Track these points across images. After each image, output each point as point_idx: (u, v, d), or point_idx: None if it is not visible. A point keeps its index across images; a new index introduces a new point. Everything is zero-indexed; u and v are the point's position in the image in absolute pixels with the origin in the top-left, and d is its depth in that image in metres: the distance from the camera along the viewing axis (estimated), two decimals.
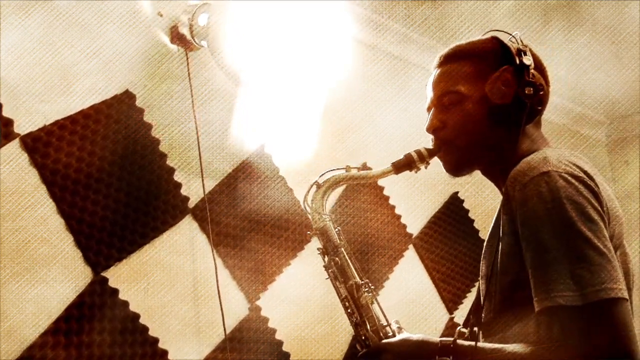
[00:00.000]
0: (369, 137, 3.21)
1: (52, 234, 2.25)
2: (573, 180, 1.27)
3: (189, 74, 2.64)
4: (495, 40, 1.51)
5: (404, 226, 3.36)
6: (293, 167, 2.86)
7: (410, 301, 3.21)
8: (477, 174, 1.55)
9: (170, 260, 2.52)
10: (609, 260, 1.22)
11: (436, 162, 1.54)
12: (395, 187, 3.27)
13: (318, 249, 1.61)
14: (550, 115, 4.24)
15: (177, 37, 2.61)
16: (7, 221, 2.16)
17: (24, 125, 2.23)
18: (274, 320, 2.76)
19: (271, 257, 2.82)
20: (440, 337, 1.36)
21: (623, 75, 3.80)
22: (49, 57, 2.29)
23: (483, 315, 1.42)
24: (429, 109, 1.54)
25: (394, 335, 1.48)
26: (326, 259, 1.59)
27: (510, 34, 1.50)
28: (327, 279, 1.59)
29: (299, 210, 2.85)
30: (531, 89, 1.42)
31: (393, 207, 3.32)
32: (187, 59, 2.64)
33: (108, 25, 2.43)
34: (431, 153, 1.53)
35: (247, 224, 2.75)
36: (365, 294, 1.52)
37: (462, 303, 3.51)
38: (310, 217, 1.62)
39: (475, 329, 1.44)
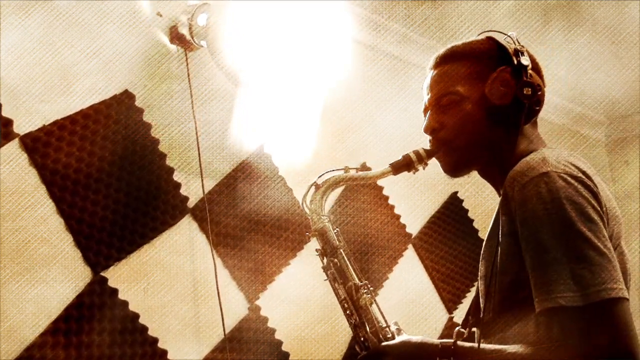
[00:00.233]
0: (369, 137, 3.21)
1: (51, 234, 2.25)
2: (572, 181, 1.27)
3: (188, 74, 2.64)
4: (492, 41, 1.51)
5: (404, 226, 3.36)
6: (293, 167, 2.86)
7: (410, 301, 3.21)
8: (476, 174, 1.55)
9: (169, 260, 2.52)
10: (609, 260, 1.22)
11: (436, 162, 1.54)
12: (395, 187, 3.27)
13: (317, 250, 1.61)
14: (550, 115, 4.25)
15: (176, 37, 2.61)
16: (7, 221, 2.16)
17: (23, 125, 2.23)
18: (273, 320, 2.76)
19: (271, 257, 2.82)
20: (440, 337, 1.36)
21: (623, 75, 3.80)
22: (49, 57, 2.30)
23: (482, 315, 1.42)
24: (425, 111, 1.54)
25: (393, 337, 1.48)
26: (325, 260, 1.59)
27: (507, 34, 1.50)
28: (325, 280, 1.58)
29: (299, 210, 2.85)
30: (529, 89, 1.42)
31: (392, 207, 3.32)
32: (187, 59, 2.65)
33: (108, 25, 2.43)
34: (429, 154, 1.52)
35: (246, 224, 2.75)
36: (364, 295, 1.52)
37: (461, 303, 3.51)
38: (309, 218, 1.62)
39: (475, 329, 1.45)
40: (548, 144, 1.49)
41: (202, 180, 2.64)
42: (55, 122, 2.31)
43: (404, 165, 1.54)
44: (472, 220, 3.68)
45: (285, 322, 2.78)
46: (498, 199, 1.41)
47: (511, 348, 1.28)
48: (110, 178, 2.40)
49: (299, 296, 2.76)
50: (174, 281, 2.52)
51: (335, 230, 1.61)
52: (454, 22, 3.22)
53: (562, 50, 3.50)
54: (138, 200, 2.47)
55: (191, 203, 2.62)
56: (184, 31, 2.60)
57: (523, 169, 1.31)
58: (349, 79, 2.89)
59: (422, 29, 3.37)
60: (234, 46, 2.50)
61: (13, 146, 2.21)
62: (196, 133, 2.62)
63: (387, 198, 3.30)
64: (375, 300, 1.53)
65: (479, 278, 1.46)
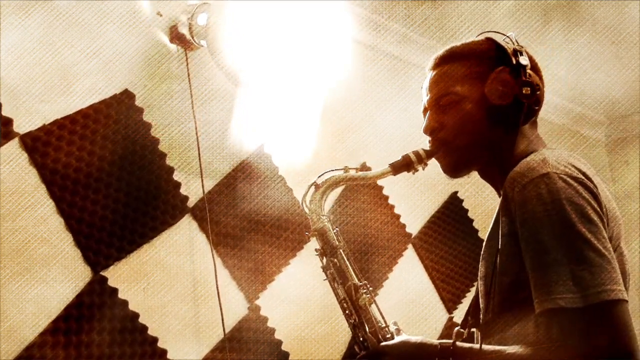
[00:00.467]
0: (369, 137, 3.21)
1: (51, 234, 2.25)
2: (572, 182, 1.27)
3: (188, 73, 2.64)
4: (491, 41, 1.51)
5: (403, 226, 3.36)
6: (293, 167, 2.86)
7: (410, 301, 3.21)
8: (476, 174, 1.55)
9: (169, 259, 2.52)
10: (609, 261, 1.22)
11: (436, 162, 1.54)
12: (395, 187, 3.27)
13: (316, 250, 1.61)
14: (550, 115, 4.25)
15: (176, 36, 2.61)
16: (7, 221, 2.16)
17: (23, 125, 2.23)
18: (273, 320, 2.76)
19: (270, 257, 2.82)
20: (440, 337, 1.36)
21: (623, 75, 3.80)
22: (49, 57, 2.30)
23: (481, 316, 1.42)
24: (425, 111, 1.54)
25: (392, 337, 1.48)
26: (324, 260, 1.59)
27: (505, 35, 1.50)
28: (325, 280, 1.59)
29: (299, 210, 2.85)
30: (529, 88, 1.42)
31: (392, 206, 3.32)
32: (187, 58, 2.65)
33: (108, 25, 2.43)
34: (429, 154, 1.52)
35: (246, 223, 2.76)
36: (364, 295, 1.52)
37: (461, 303, 3.51)
38: (308, 218, 1.62)
39: (474, 329, 1.45)
40: (548, 144, 1.50)
41: (202, 180, 2.64)
42: (55, 122, 2.31)
43: (404, 165, 1.54)
44: (472, 220, 3.68)
45: (285, 322, 2.78)
46: (498, 199, 1.41)
47: (510, 348, 1.28)
48: (110, 177, 2.40)
49: (298, 296, 2.76)
50: (174, 281, 2.52)
51: (335, 230, 1.61)
52: (454, 22, 3.22)
53: (562, 50, 3.50)
54: (138, 199, 2.47)
55: (191, 203, 2.63)
56: (184, 31, 2.60)
57: (523, 169, 1.31)
58: (349, 79, 2.88)
59: (422, 29, 3.38)
60: (234, 46, 2.50)
61: (13, 145, 2.21)
62: (196, 133, 2.62)
63: (387, 198, 3.30)
64: (374, 301, 1.53)
65: (478, 278, 1.46)
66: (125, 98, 2.49)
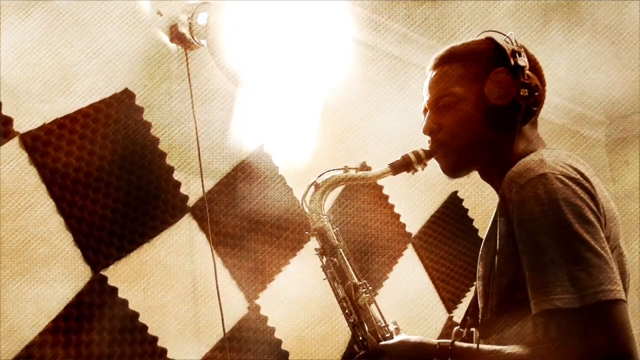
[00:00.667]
0: (369, 137, 3.21)
1: (51, 234, 2.26)
2: (569, 182, 1.27)
3: (188, 73, 2.64)
4: (490, 41, 1.51)
5: (403, 225, 3.36)
6: (293, 166, 2.86)
7: (410, 300, 3.21)
8: (476, 174, 1.55)
9: (169, 259, 2.53)
10: (607, 261, 1.22)
11: (436, 162, 1.54)
12: (395, 187, 3.27)
13: (316, 249, 1.62)
14: (550, 115, 4.25)
15: (176, 36, 2.61)
16: (7, 221, 2.16)
17: (23, 124, 2.24)
18: (273, 320, 2.77)
19: (270, 257, 2.82)
20: (439, 336, 1.37)
21: (623, 75, 3.81)
22: (49, 57, 2.30)
23: (480, 316, 1.42)
24: (425, 111, 1.55)
25: (391, 337, 1.48)
26: (324, 259, 1.60)
27: (505, 35, 1.50)
28: (324, 279, 1.59)
29: (299, 209, 2.85)
30: (526, 90, 1.42)
31: (392, 206, 3.32)
32: (187, 58, 2.65)
33: (108, 25, 2.43)
34: (428, 154, 1.53)
35: (246, 223, 2.76)
36: (363, 294, 1.52)
37: (461, 302, 3.51)
38: (308, 217, 1.62)
39: (473, 329, 1.45)
40: (548, 144, 1.50)
41: (202, 179, 2.64)
42: (55, 121, 2.31)
43: (403, 165, 1.54)
44: (472, 220, 3.68)
45: (284, 322, 2.78)
46: (498, 199, 1.41)
47: (509, 348, 1.28)
48: (110, 177, 2.40)
49: (298, 295, 2.77)
50: (174, 280, 2.53)
51: (335, 230, 1.61)
52: (454, 22, 3.22)
53: (562, 50, 3.50)
54: (138, 199, 2.47)
55: (191, 202, 2.63)
56: (184, 30, 2.60)
57: (521, 170, 1.32)
58: (349, 79, 2.89)
59: (422, 29, 3.38)
60: (234, 46, 2.51)
61: (13, 145, 2.21)
62: (196, 132, 2.63)
63: (387, 197, 3.30)
64: (374, 300, 1.53)
65: (477, 278, 1.46)
66: (125, 97, 2.49)
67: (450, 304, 3.49)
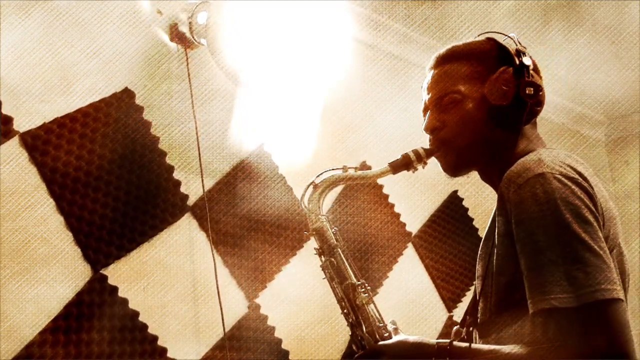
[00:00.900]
0: (369, 137, 3.21)
1: (51, 233, 2.26)
2: (567, 182, 1.27)
3: (188, 72, 2.64)
4: (493, 41, 1.51)
5: (403, 225, 3.37)
6: (292, 166, 2.86)
7: (410, 300, 3.21)
8: (476, 173, 1.55)
9: (169, 258, 2.53)
10: (605, 261, 1.22)
11: (436, 161, 1.54)
12: (395, 186, 3.27)
13: (315, 249, 1.62)
14: (550, 115, 4.25)
15: (176, 35, 2.62)
16: (7, 221, 2.17)
17: (23, 123, 2.24)
18: (273, 319, 2.77)
19: (270, 256, 2.82)
20: (439, 336, 1.36)
21: (623, 75, 3.81)
22: (49, 57, 2.30)
23: (479, 316, 1.42)
24: (425, 110, 1.54)
25: (390, 337, 1.48)
26: (323, 259, 1.60)
27: (507, 35, 1.50)
28: (324, 279, 1.59)
29: (298, 209, 2.82)
30: (532, 88, 1.43)
31: (392, 205, 3.32)
32: (187, 57, 2.65)
33: (108, 25, 2.43)
34: (429, 153, 1.52)
35: (246, 222, 2.76)
36: (362, 294, 1.52)
37: (461, 302, 3.51)
38: (307, 217, 1.62)
39: (472, 329, 1.45)
40: (548, 144, 1.50)
41: (202, 178, 2.64)
42: (55, 120, 2.31)
43: (403, 164, 1.54)
44: (472, 219, 3.69)
45: (284, 321, 2.78)
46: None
47: (507, 348, 1.28)
48: (110, 176, 2.41)
49: (298, 295, 2.77)
50: (174, 279, 2.53)
51: (334, 230, 1.61)
52: (454, 22, 3.23)
53: (562, 50, 3.50)
54: (138, 198, 2.48)
55: (191, 201, 2.63)
56: (184, 29, 2.60)
57: (519, 170, 1.32)
58: (349, 78, 2.89)
59: (422, 29, 3.38)
60: (234, 45, 2.51)
61: (13, 144, 2.22)
62: (196, 131, 2.63)
63: (386, 197, 3.30)
64: (372, 300, 1.53)
65: (476, 278, 1.46)
66: (125, 97, 2.50)
67: (450, 303, 3.49)
